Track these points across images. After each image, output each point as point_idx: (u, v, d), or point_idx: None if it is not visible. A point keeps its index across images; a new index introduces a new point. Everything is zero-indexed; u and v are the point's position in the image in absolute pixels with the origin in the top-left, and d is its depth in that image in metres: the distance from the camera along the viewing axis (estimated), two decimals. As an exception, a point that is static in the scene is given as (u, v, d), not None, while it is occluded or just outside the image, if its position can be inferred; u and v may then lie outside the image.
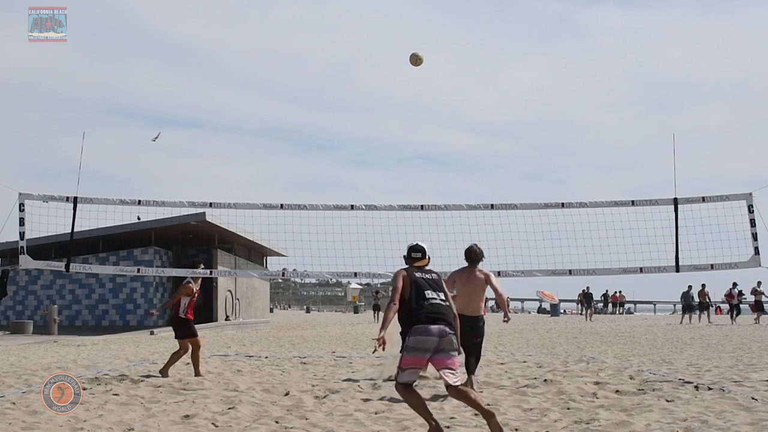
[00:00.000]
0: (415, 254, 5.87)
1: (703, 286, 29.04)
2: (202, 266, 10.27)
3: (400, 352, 5.53)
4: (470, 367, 7.82)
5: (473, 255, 7.87)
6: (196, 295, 10.01)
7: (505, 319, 7.99)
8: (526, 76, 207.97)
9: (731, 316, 27.93)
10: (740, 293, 28.83)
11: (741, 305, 29.60)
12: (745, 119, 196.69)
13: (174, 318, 9.82)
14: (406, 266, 5.79)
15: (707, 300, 29.44)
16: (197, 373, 9.60)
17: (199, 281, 10.02)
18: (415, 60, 9.40)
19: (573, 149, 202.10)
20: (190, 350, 9.71)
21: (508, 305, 9.95)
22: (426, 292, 5.56)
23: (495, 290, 7.86)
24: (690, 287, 29.60)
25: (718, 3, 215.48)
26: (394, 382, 5.65)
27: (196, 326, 10.02)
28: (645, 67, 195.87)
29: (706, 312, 29.23)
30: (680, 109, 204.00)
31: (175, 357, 9.74)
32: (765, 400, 6.97)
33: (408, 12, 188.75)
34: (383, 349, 5.55)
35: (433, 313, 5.45)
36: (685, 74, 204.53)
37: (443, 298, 5.62)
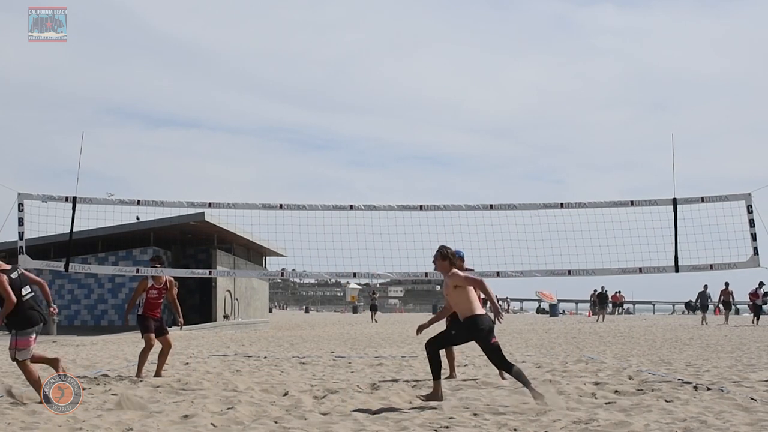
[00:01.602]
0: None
1: (726, 284, 28.02)
2: (158, 265, 10.04)
3: (14, 336, 7.04)
4: None
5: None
6: (151, 290, 9.72)
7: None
8: (524, 76, 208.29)
9: (754, 316, 27.08)
10: (766, 294, 27.95)
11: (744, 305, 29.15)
12: (744, 119, 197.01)
13: (137, 315, 9.80)
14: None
15: (731, 299, 28.64)
16: (138, 374, 9.41)
17: (163, 279, 9.88)
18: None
19: (572, 149, 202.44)
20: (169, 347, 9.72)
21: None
22: (21, 289, 7.02)
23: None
24: (706, 287, 28.99)
25: (716, 3, 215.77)
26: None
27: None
28: (643, 67, 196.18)
29: (729, 311, 28.49)
30: (679, 108, 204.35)
31: (151, 355, 9.70)
32: (764, 400, 6.98)
33: (407, 12, 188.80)
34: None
35: (31, 309, 7.09)
36: (683, 74, 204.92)
37: (30, 290, 7.13)
